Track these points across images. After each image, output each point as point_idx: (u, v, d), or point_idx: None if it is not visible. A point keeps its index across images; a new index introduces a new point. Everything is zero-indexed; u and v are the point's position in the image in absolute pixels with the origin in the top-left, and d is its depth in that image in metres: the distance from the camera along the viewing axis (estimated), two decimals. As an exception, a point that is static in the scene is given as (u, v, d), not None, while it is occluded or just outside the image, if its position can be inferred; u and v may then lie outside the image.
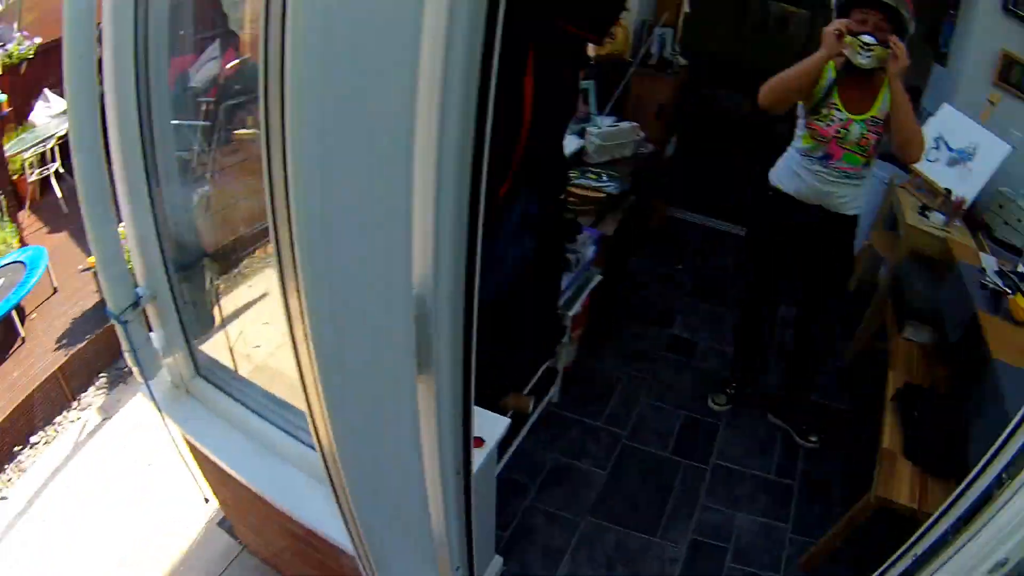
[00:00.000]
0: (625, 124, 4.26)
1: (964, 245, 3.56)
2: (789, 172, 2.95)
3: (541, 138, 2.51)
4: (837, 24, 2.65)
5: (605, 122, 4.25)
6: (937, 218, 3.70)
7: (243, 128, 2.49)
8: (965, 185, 3.84)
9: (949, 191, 3.77)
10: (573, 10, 2.42)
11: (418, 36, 0.88)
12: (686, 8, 4.94)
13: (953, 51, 4.61)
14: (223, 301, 2.34)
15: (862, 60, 2.64)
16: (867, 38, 2.62)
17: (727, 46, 7.26)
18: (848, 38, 2.65)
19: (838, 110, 2.76)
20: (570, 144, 3.96)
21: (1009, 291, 3.09)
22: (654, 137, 4.58)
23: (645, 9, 4.90)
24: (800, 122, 2.89)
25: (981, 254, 3.47)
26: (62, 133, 5.21)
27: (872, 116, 2.75)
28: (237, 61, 2.71)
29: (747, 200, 3.49)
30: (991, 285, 3.12)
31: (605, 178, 3.94)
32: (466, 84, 0.90)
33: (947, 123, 4.06)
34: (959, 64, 4.46)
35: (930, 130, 3.90)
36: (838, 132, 2.76)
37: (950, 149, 3.97)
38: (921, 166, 3.89)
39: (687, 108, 5.30)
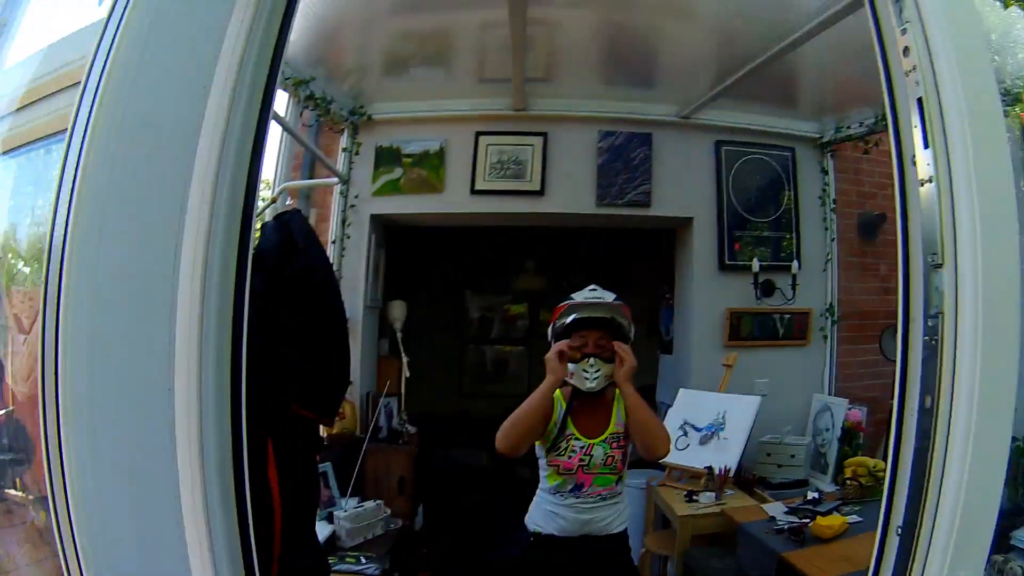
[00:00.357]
0: (370, 503, 4.12)
1: (744, 507, 3.68)
2: (545, 513, 2.76)
3: (295, 529, 2.33)
4: (557, 347, 2.68)
5: (350, 504, 4.07)
6: (708, 497, 3.78)
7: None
8: (724, 455, 4.00)
9: (710, 468, 3.90)
10: (300, 390, 2.41)
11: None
12: (406, 373, 5.03)
13: (677, 334, 5.14)
14: None
15: (590, 384, 2.65)
16: (590, 361, 2.65)
17: (452, 403, 7.53)
18: (571, 365, 2.66)
19: (576, 439, 2.69)
20: (322, 531, 3.71)
21: (807, 519, 3.19)
22: (401, 511, 4.40)
23: (367, 380, 4.93)
24: (541, 463, 2.77)
25: (764, 506, 3.61)
26: None
27: (611, 433, 2.71)
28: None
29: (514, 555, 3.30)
30: (786, 526, 3.21)
31: (363, 560, 3.68)
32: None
33: (688, 406, 4.35)
34: (686, 344, 4.96)
35: (673, 420, 4.17)
36: (582, 460, 2.67)
37: (698, 430, 4.21)
38: (673, 458, 3.98)
39: (426, 476, 5.19)
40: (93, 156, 1.20)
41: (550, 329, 2.83)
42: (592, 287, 2.83)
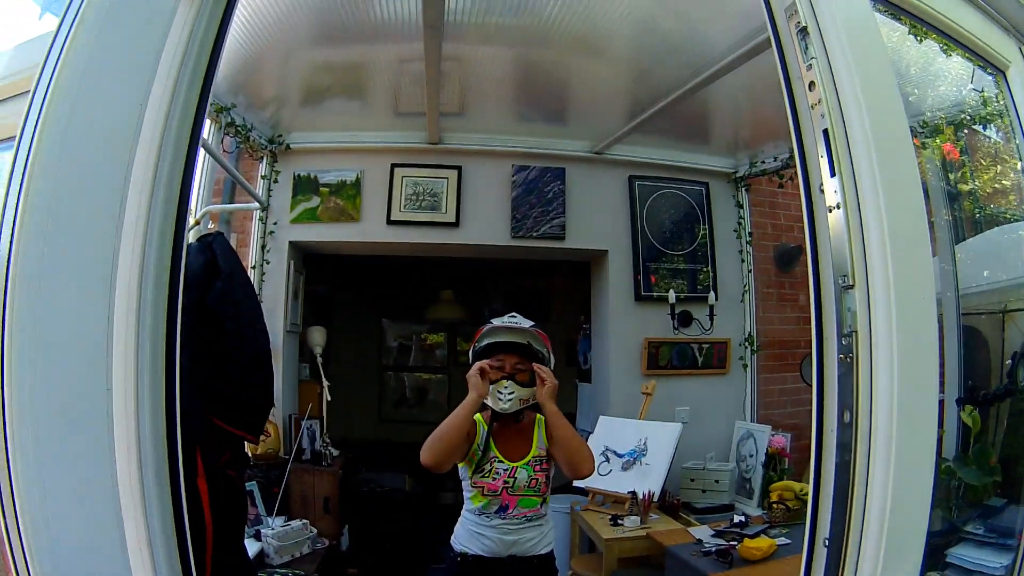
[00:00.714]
0: (296, 522, 4.12)
1: (671, 531, 3.74)
2: (470, 534, 2.78)
3: (225, 541, 2.36)
4: (478, 364, 2.72)
5: (277, 522, 4.07)
6: (632, 521, 3.83)
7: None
8: (647, 480, 4.07)
9: (634, 492, 3.95)
10: (224, 407, 2.43)
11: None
12: (327, 397, 5.01)
13: (595, 363, 5.22)
14: None
15: (504, 405, 2.70)
16: (505, 383, 2.71)
17: (373, 428, 7.49)
18: (489, 387, 2.71)
19: (500, 461, 2.73)
20: (250, 548, 3.69)
21: (735, 541, 3.27)
22: (327, 532, 4.39)
23: (289, 402, 4.88)
24: (465, 484, 2.80)
25: (691, 529, 3.67)
26: None
27: (534, 456, 2.77)
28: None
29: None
30: (714, 548, 3.28)
31: None
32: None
33: (609, 433, 4.41)
34: (604, 372, 5.03)
35: (594, 446, 4.19)
36: (506, 482, 2.71)
37: (619, 456, 4.27)
38: (595, 483, 4.08)
39: (351, 498, 5.16)
40: (38, 165, 1.20)
41: (471, 352, 2.89)
42: (512, 314, 2.89)
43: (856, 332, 1.56)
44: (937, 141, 3.28)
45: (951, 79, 3.32)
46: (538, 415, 2.84)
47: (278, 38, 3.55)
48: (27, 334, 1.20)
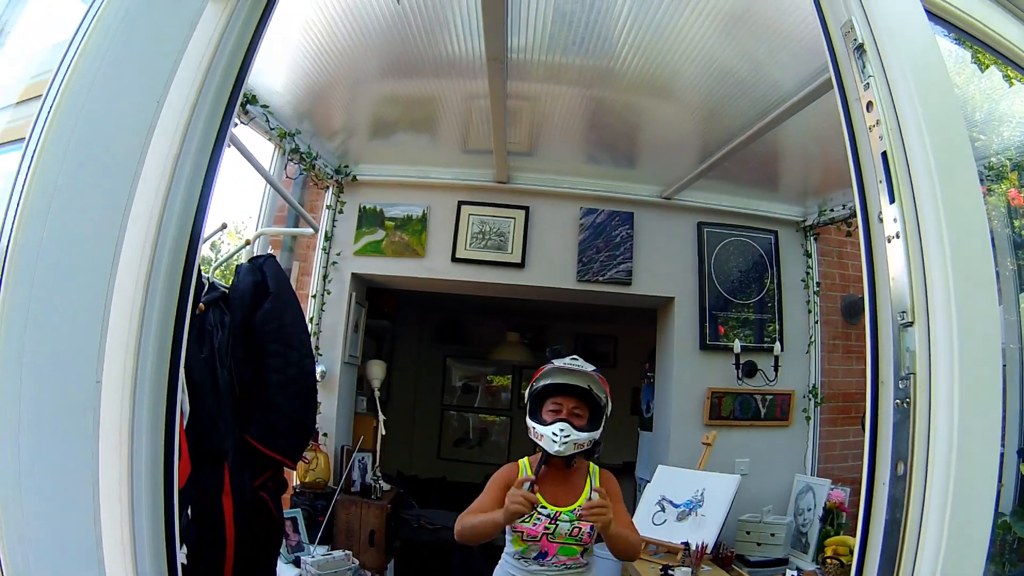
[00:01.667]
0: (338, 553, 4.05)
1: None
2: None
3: (249, 558, 2.37)
4: (523, 499, 2.47)
5: (318, 551, 4.04)
6: (683, 572, 3.67)
7: None
8: (702, 531, 3.92)
9: (687, 544, 3.81)
10: (260, 428, 2.43)
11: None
12: (382, 431, 4.99)
13: (657, 411, 5.08)
14: None
15: (557, 448, 2.59)
16: (560, 425, 2.60)
17: (429, 466, 7.47)
18: (540, 427, 2.64)
19: (542, 507, 2.61)
20: (287, 573, 3.78)
21: None
22: (371, 565, 4.36)
23: (343, 434, 4.87)
24: (508, 528, 2.67)
25: None
26: None
27: (580, 506, 2.63)
28: None
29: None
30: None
31: None
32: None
33: (666, 483, 4.27)
34: (665, 421, 4.89)
35: (650, 495, 4.09)
36: (547, 529, 2.60)
37: (675, 506, 4.13)
38: (649, 532, 3.94)
39: (400, 533, 5.10)
40: (44, 159, 1.20)
41: (527, 392, 2.81)
42: (574, 356, 2.81)
43: (915, 375, 1.42)
44: (1003, 187, 3.12)
45: (1015, 122, 3.18)
46: (591, 464, 2.78)
47: (348, 68, 3.61)
48: (16, 323, 1.18)
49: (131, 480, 1.20)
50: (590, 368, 2.74)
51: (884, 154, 1.44)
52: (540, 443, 2.65)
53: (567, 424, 2.62)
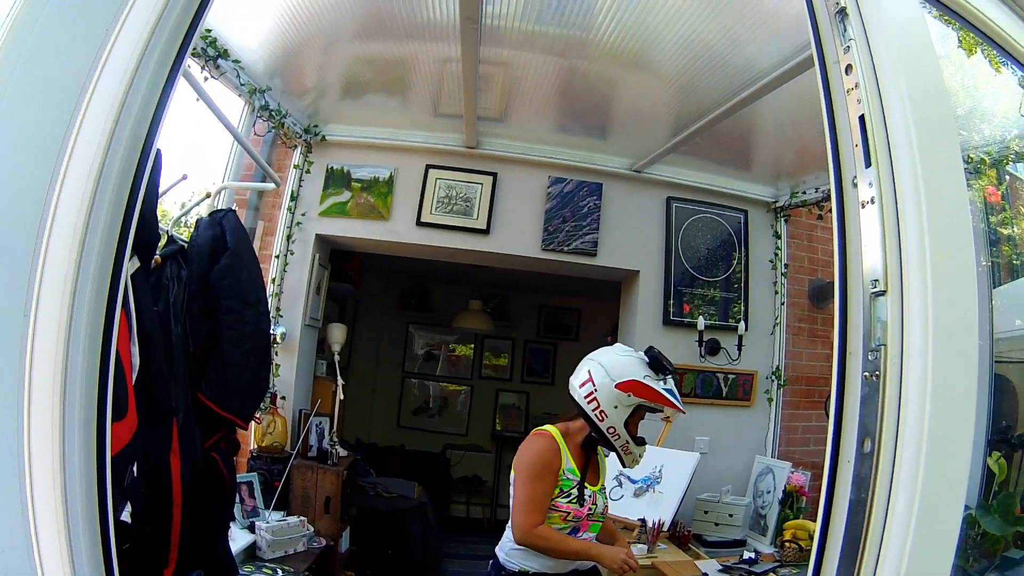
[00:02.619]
0: (293, 519, 4.05)
1: (677, 562, 3.58)
2: (530, 554, 2.55)
3: (199, 520, 2.31)
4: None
5: (273, 517, 4.01)
6: (639, 550, 3.66)
7: None
8: (659, 509, 3.92)
9: (643, 520, 3.81)
10: (213, 385, 2.37)
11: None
12: (341, 396, 4.93)
13: None
14: None
15: (637, 466, 2.71)
16: (645, 447, 2.59)
17: (389, 434, 7.45)
18: (633, 445, 2.56)
19: (587, 487, 2.58)
20: (243, 539, 3.72)
21: None
22: (325, 532, 4.30)
23: (301, 398, 4.80)
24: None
25: (698, 562, 3.54)
26: None
27: (603, 484, 2.71)
28: None
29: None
30: None
31: (280, 572, 3.61)
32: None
33: (625, 459, 4.30)
34: None
35: (609, 469, 4.11)
36: (590, 509, 2.58)
37: (633, 481, 4.13)
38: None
39: (355, 500, 5.06)
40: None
41: (633, 397, 2.54)
42: (669, 375, 2.62)
43: (886, 346, 1.37)
44: (981, 182, 3.14)
45: (996, 119, 3.20)
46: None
47: (322, 26, 3.53)
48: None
49: (63, 433, 1.15)
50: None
51: (862, 117, 1.40)
52: (618, 450, 2.57)
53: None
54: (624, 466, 2.65)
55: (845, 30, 1.44)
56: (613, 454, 2.64)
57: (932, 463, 1.30)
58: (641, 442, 2.58)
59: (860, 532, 1.36)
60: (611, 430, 2.52)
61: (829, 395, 1.50)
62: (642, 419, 2.59)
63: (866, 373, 1.41)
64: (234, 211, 2.78)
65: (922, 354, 1.33)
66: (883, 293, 1.38)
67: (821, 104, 1.49)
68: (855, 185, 1.45)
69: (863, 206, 1.43)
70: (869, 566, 1.34)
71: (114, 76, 1.24)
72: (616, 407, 2.51)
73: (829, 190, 1.50)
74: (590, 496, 2.57)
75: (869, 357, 1.41)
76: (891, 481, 1.32)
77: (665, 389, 2.53)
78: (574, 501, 2.53)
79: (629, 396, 2.50)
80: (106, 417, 1.25)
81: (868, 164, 1.40)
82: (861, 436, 1.40)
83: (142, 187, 1.32)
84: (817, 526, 1.47)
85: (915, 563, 1.29)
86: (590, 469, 2.62)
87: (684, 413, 2.74)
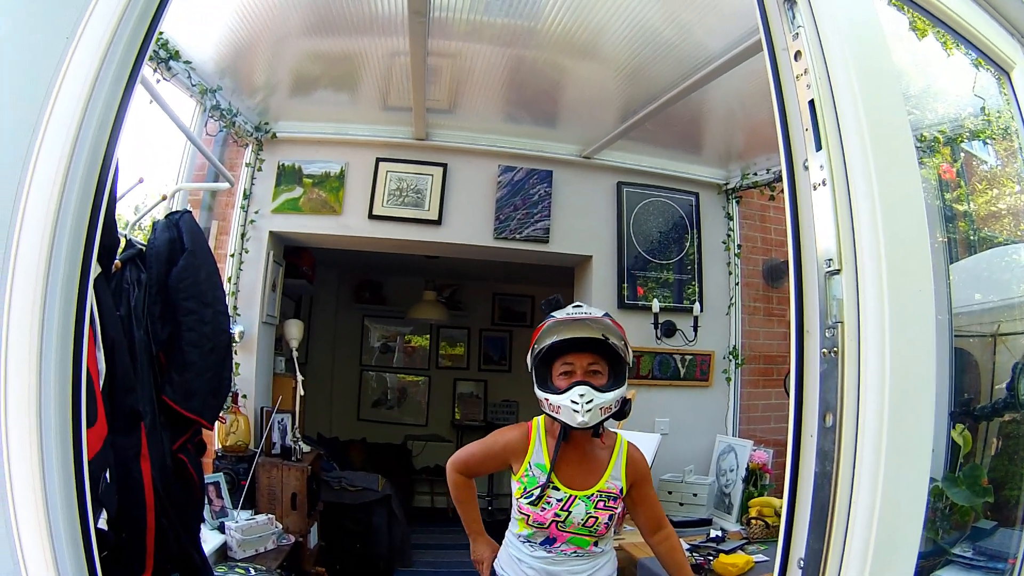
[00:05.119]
0: (261, 517, 4.05)
1: (643, 544, 3.59)
2: (511, 559, 2.36)
3: (172, 523, 2.31)
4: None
5: (242, 516, 4.00)
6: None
7: None
8: (623, 491, 3.97)
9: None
10: (177, 387, 2.37)
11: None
12: (300, 392, 4.92)
13: None
14: None
15: (581, 418, 2.13)
16: (579, 390, 2.14)
17: (350, 428, 7.44)
18: (554, 397, 2.18)
19: (555, 488, 2.24)
20: (213, 540, 3.72)
21: (710, 557, 3.19)
22: (294, 528, 4.30)
23: (262, 395, 4.77)
24: (513, 501, 2.34)
25: None
26: None
27: (600, 490, 2.28)
28: None
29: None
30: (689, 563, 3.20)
31: (252, 572, 3.59)
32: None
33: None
34: None
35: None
36: (557, 516, 2.23)
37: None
38: None
39: (321, 495, 5.06)
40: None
41: (529, 356, 2.32)
42: (576, 303, 2.37)
43: (842, 323, 1.40)
44: (935, 160, 3.24)
45: (950, 99, 3.28)
46: (622, 439, 2.40)
47: (271, 24, 3.51)
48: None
49: (40, 442, 1.15)
50: (600, 313, 2.30)
51: (811, 102, 1.45)
52: (559, 416, 2.18)
53: (587, 386, 2.15)
54: (573, 425, 2.16)
55: (794, 17, 1.49)
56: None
57: (895, 434, 1.33)
58: (564, 389, 2.18)
59: (827, 503, 1.38)
60: (542, 402, 2.25)
61: (788, 372, 1.53)
62: (563, 373, 2.23)
63: (824, 350, 1.44)
64: (190, 212, 2.76)
65: (879, 329, 1.36)
66: (838, 272, 1.42)
67: (771, 90, 1.53)
68: (806, 168, 1.49)
69: (815, 188, 1.47)
70: (839, 536, 1.36)
71: (75, 84, 1.24)
72: (533, 373, 2.29)
73: (780, 172, 1.54)
74: (560, 501, 2.24)
75: (826, 334, 1.44)
76: (855, 453, 1.35)
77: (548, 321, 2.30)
78: (534, 503, 2.25)
79: (531, 351, 2.29)
80: (80, 424, 1.25)
81: (819, 148, 1.44)
82: (823, 411, 1.43)
83: (105, 193, 1.32)
84: (784, 499, 1.48)
85: (884, 530, 1.32)
86: (575, 469, 2.30)
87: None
